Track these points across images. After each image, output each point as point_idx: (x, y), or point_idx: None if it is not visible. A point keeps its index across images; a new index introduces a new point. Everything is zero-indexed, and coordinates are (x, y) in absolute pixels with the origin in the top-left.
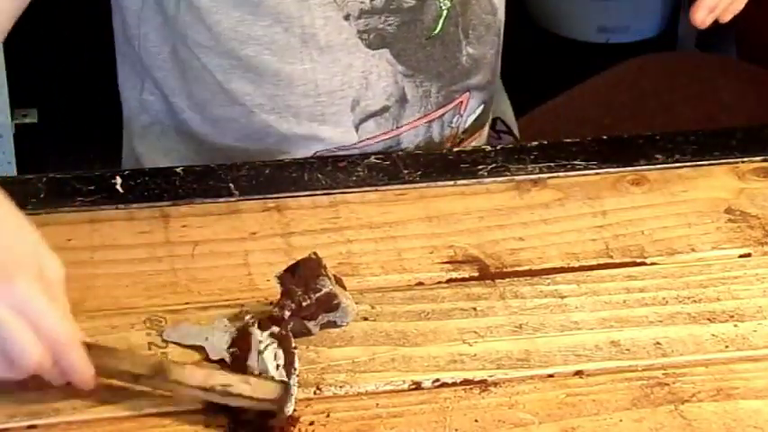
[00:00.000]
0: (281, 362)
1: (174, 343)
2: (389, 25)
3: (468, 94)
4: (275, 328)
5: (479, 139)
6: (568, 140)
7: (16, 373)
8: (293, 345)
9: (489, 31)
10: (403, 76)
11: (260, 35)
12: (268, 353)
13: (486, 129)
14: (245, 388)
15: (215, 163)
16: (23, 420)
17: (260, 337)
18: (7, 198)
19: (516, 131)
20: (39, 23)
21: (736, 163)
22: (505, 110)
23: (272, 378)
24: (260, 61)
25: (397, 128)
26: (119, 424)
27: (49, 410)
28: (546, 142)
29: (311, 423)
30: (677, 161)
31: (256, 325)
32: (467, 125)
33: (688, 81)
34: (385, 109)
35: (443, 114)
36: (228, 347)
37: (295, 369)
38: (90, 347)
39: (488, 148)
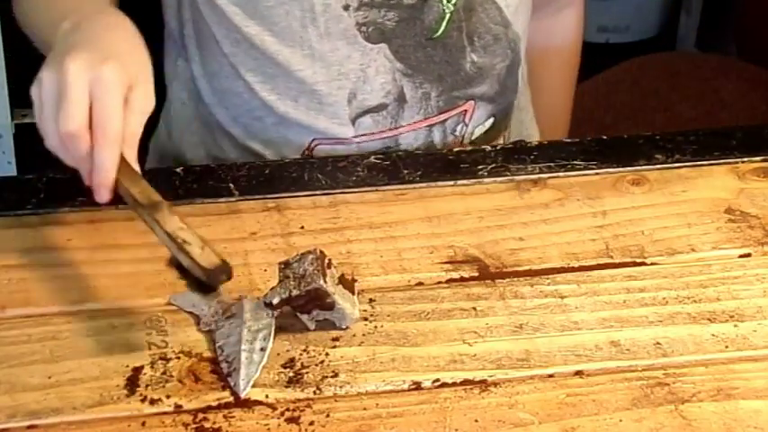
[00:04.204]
0: (258, 345)
1: (177, 306)
2: (388, 20)
3: (473, 102)
4: (265, 312)
5: None
6: (568, 140)
7: (55, 136)
8: (272, 329)
9: (498, 42)
10: (402, 75)
11: (263, 15)
12: (247, 331)
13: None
14: (196, 251)
15: (216, 162)
16: (23, 420)
17: (246, 313)
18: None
19: None
20: None
21: (736, 163)
22: (533, 134)
23: (224, 261)
24: (262, 40)
25: (396, 128)
26: (119, 424)
27: (48, 410)
28: (546, 142)
29: (311, 423)
30: (677, 161)
31: (249, 305)
32: (474, 136)
33: (688, 81)
34: (382, 106)
35: (446, 120)
36: (216, 320)
37: (264, 350)
38: (122, 162)
39: (488, 148)
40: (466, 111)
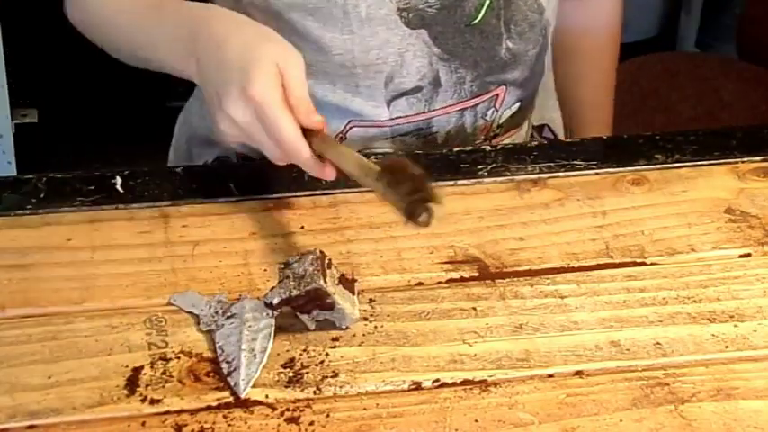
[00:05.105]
0: (258, 345)
1: (177, 307)
2: (430, 7)
3: (504, 88)
4: (265, 312)
5: (515, 139)
6: (568, 140)
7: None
8: (272, 329)
9: (533, 29)
10: (438, 60)
11: (305, 1)
12: (247, 331)
13: (524, 129)
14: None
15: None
16: (23, 420)
17: (246, 314)
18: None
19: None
20: (38, 23)
21: (736, 163)
22: (555, 118)
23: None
24: (303, 26)
25: (430, 111)
26: (119, 424)
27: (48, 410)
28: (546, 142)
29: (311, 423)
30: (677, 161)
31: (249, 305)
32: (502, 120)
33: (688, 81)
34: (418, 89)
35: (477, 105)
36: (216, 320)
37: (264, 350)
38: (324, 142)
39: (488, 148)
40: (497, 96)
